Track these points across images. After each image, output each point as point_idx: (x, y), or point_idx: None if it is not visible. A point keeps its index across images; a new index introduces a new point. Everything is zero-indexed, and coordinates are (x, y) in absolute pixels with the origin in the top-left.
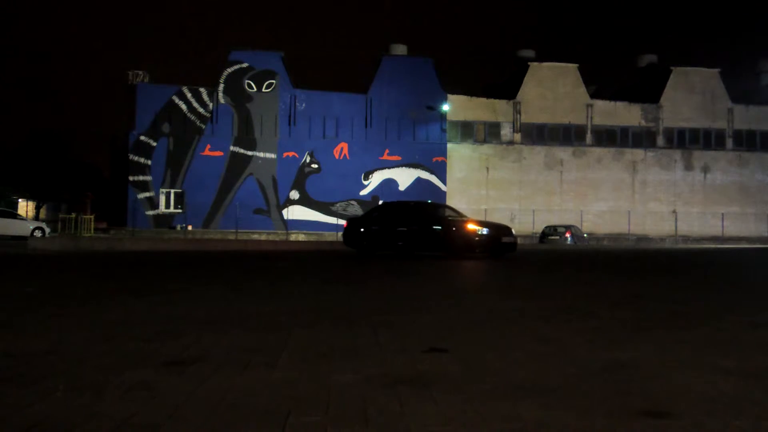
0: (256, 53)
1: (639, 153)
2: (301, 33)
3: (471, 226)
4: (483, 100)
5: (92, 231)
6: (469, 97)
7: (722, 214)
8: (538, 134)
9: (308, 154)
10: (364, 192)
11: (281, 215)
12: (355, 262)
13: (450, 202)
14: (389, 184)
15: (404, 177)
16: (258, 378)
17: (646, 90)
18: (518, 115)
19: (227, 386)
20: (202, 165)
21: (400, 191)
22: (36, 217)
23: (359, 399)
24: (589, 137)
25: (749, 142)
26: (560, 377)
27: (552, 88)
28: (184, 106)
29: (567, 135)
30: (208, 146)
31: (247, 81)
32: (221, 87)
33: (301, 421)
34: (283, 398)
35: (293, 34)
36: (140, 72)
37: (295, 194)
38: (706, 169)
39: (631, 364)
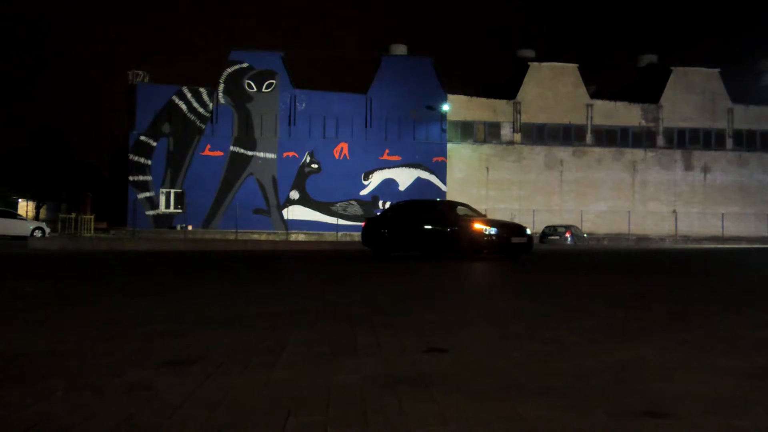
0: (256, 53)
1: (639, 153)
2: (301, 33)
3: (478, 226)
4: (483, 100)
5: (92, 231)
6: (469, 97)
7: (722, 214)
8: (538, 134)
9: (308, 154)
10: (364, 192)
11: (281, 215)
12: (355, 262)
13: None
14: (389, 184)
15: (404, 177)
16: (258, 378)
17: (646, 90)
18: (518, 115)
19: (227, 386)
20: (202, 165)
21: (400, 191)
22: (36, 217)
23: (359, 399)
24: (589, 137)
25: (749, 142)
26: (560, 377)
27: (552, 88)
28: (184, 106)
29: (567, 135)
30: (208, 146)
31: (247, 81)
32: (221, 87)
33: (301, 421)
34: (283, 398)
35: (293, 34)
36: (140, 72)
37: (295, 194)
38: (706, 169)
39: (631, 364)
